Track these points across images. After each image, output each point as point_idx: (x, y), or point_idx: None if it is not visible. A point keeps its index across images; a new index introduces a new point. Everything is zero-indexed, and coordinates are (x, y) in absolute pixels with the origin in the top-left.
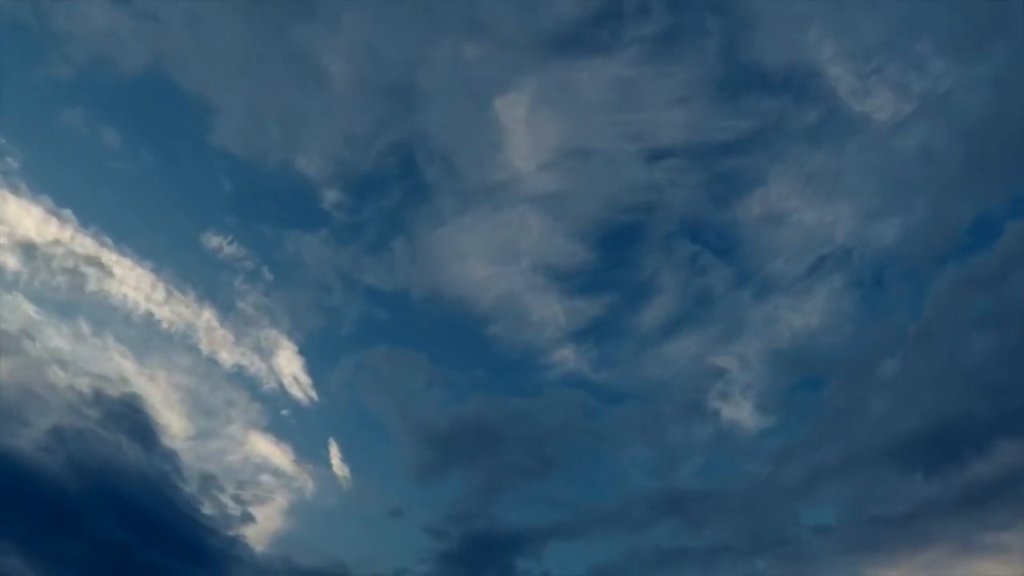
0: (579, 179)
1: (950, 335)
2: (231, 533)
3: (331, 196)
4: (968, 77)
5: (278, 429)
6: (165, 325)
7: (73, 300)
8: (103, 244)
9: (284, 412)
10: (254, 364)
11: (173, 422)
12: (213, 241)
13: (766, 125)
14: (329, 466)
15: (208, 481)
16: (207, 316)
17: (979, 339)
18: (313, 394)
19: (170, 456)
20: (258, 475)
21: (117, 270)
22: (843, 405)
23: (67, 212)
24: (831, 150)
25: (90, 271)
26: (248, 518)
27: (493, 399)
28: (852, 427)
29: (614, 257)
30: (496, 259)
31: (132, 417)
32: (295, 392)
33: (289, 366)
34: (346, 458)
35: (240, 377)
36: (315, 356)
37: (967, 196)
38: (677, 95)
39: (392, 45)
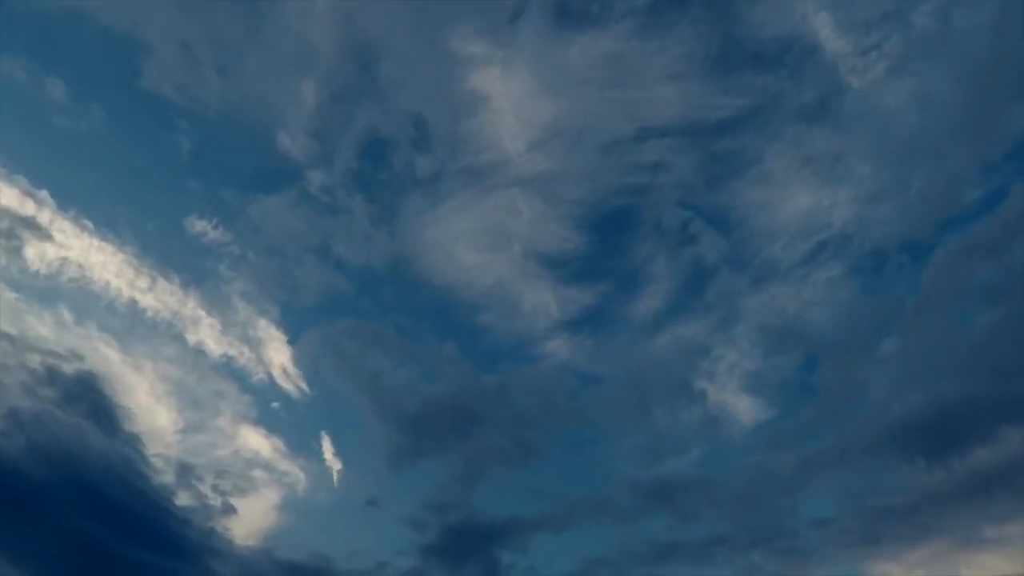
0: (570, 160)
1: (950, 309)
2: (209, 525)
3: (297, 161)
4: (967, 14)
5: (267, 421)
6: (150, 313)
7: (54, 286)
8: (83, 228)
9: (274, 404)
10: (243, 355)
11: (162, 414)
12: (197, 225)
13: (762, 103)
14: (319, 459)
15: (186, 471)
16: (192, 304)
17: (981, 314)
18: (303, 385)
19: (132, 440)
20: (243, 467)
21: (99, 255)
22: (839, 388)
23: (44, 194)
24: (829, 129)
25: (71, 255)
26: (230, 509)
27: (468, 375)
28: (849, 411)
29: (607, 243)
30: (486, 245)
31: (89, 398)
32: (284, 384)
33: (278, 356)
34: (338, 452)
35: (228, 368)
36: (290, 329)
37: (970, 149)
38: (670, 71)
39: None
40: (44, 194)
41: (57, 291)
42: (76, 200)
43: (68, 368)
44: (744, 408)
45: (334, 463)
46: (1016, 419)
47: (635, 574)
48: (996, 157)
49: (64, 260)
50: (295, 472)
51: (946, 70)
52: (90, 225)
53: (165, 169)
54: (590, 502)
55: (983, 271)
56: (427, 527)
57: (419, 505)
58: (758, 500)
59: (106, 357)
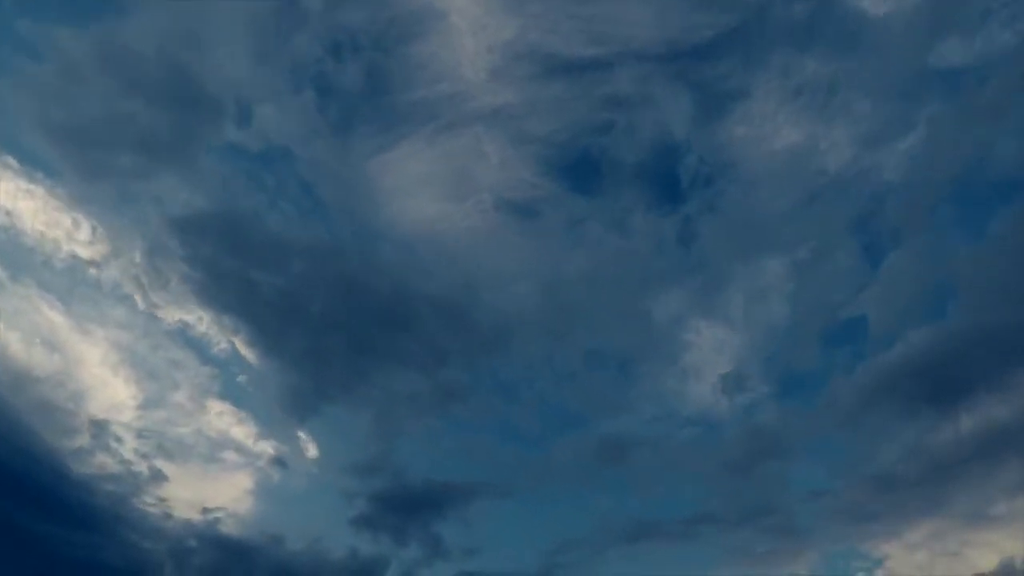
0: (536, 90)
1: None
2: (124, 493)
3: None
4: None
5: (219, 391)
6: (93, 271)
7: None
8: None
9: (241, 378)
10: (202, 321)
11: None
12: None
13: (746, 21)
14: (282, 433)
15: (101, 431)
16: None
17: (993, 217)
18: (264, 355)
19: None
20: (181, 433)
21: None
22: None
23: None
24: (822, 54)
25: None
26: (159, 476)
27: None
28: (844, 354)
29: (579, 190)
30: (449, 194)
31: None
32: (245, 352)
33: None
34: (311, 432)
35: (183, 335)
36: None
37: None
38: None
39: None
40: None
41: None
42: None
43: None
44: (723, 357)
45: (302, 439)
46: None
47: (611, 554)
48: None
49: None
50: (253, 444)
51: None
52: (14, 162)
53: None
54: (533, 464)
55: (982, 133)
56: (355, 495)
57: (340, 468)
58: (744, 467)
59: (51, 321)
